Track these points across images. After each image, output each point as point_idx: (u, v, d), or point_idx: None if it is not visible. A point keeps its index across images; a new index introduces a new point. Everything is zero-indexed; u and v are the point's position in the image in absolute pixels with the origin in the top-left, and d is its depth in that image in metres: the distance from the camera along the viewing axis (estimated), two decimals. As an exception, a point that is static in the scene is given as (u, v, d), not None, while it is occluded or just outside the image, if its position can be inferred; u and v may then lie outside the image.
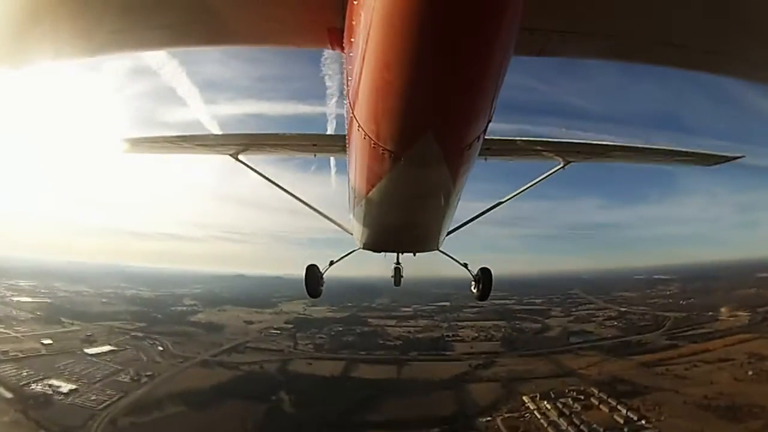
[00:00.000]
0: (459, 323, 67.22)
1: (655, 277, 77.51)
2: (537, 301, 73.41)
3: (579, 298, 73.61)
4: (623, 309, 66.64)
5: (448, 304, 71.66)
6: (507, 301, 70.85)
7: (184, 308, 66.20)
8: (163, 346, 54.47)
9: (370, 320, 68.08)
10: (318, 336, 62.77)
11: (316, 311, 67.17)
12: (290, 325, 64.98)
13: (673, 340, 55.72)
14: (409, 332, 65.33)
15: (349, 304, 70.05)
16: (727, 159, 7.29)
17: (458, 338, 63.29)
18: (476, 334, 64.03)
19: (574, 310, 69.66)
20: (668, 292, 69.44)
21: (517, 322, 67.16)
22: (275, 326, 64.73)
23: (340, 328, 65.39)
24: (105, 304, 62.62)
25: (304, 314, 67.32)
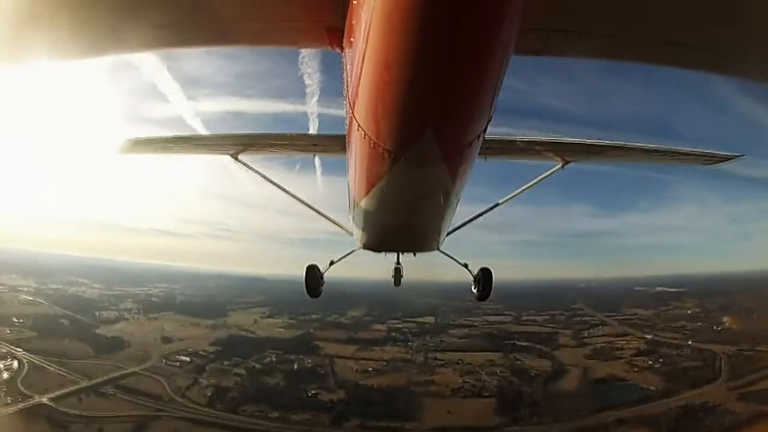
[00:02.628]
0: (439, 355, 48.54)
1: (659, 288, 66.97)
2: (538, 318, 59.26)
3: (587, 317, 59.33)
4: (648, 336, 50.65)
5: (432, 320, 56.54)
6: (502, 318, 56.59)
7: (112, 313, 54.17)
8: (14, 372, 41.06)
9: (322, 345, 50.72)
10: (234, 372, 45.39)
11: (266, 326, 53.54)
12: (214, 348, 49.33)
13: (751, 402, 37.08)
14: (366, 371, 46.02)
15: (314, 316, 55.20)
16: (727, 158, 7.25)
17: (432, 388, 42.69)
18: (460, 382, 43.18)
19: (585, 335, 54.31)
20: (689, 311, 55.07)
21: (517, 356, 48.22)
22: (194, 348, 48.95)
23: (274, 358, 47.32)
24: (24, 304, 51.62)
25: (247, 330, 53.42)
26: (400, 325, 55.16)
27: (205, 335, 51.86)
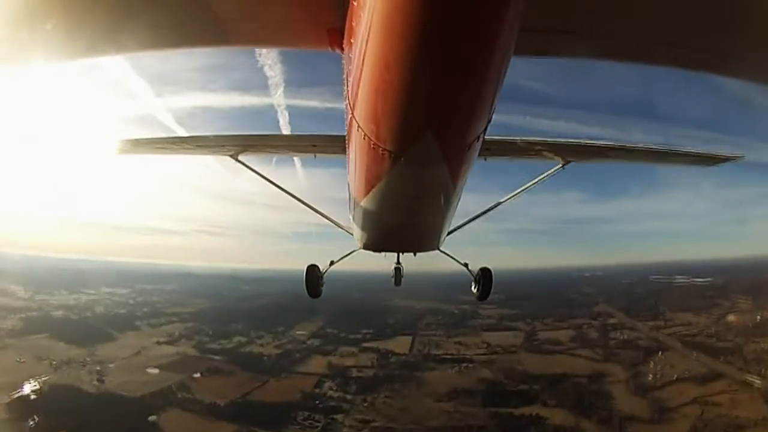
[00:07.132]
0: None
1: (681, 279, 56.68)
2: (561, 337, 42.47)
3: (626, 330, 43.23)
4: (755, 380, 32.32)
5: (408, 345, 39.03)
6: (511, 338, 39.86)
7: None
8: None
9: (168, 426, 32.18)
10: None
11: (136, 366, 39.79)
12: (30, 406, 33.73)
13: None
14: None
15: (238, 339, 42.51)
16: (727, 159, 7.36)
17: None
18: None
19: (650, 378, 34.23)
20: (758, 316, 39.35)
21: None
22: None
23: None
24: None
25: (96, 373, 39.14)
26: (350, 362, 35.47)
27: (19, 382, 36.82)
